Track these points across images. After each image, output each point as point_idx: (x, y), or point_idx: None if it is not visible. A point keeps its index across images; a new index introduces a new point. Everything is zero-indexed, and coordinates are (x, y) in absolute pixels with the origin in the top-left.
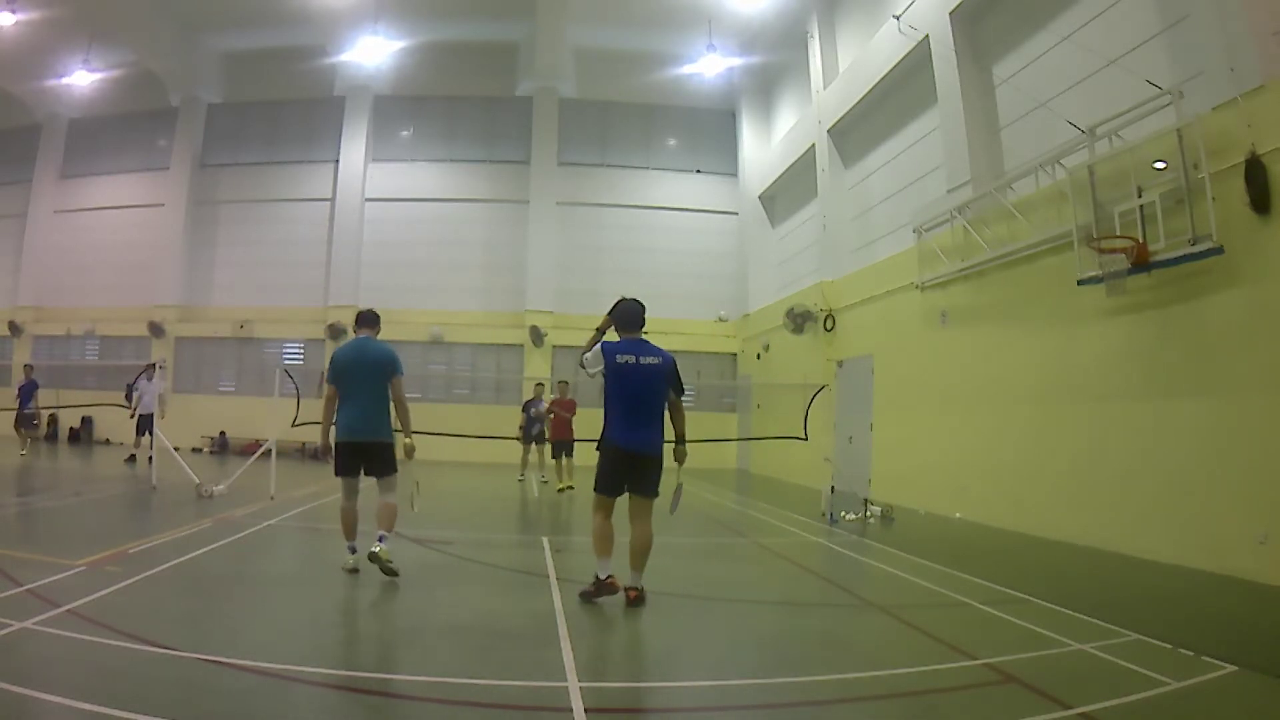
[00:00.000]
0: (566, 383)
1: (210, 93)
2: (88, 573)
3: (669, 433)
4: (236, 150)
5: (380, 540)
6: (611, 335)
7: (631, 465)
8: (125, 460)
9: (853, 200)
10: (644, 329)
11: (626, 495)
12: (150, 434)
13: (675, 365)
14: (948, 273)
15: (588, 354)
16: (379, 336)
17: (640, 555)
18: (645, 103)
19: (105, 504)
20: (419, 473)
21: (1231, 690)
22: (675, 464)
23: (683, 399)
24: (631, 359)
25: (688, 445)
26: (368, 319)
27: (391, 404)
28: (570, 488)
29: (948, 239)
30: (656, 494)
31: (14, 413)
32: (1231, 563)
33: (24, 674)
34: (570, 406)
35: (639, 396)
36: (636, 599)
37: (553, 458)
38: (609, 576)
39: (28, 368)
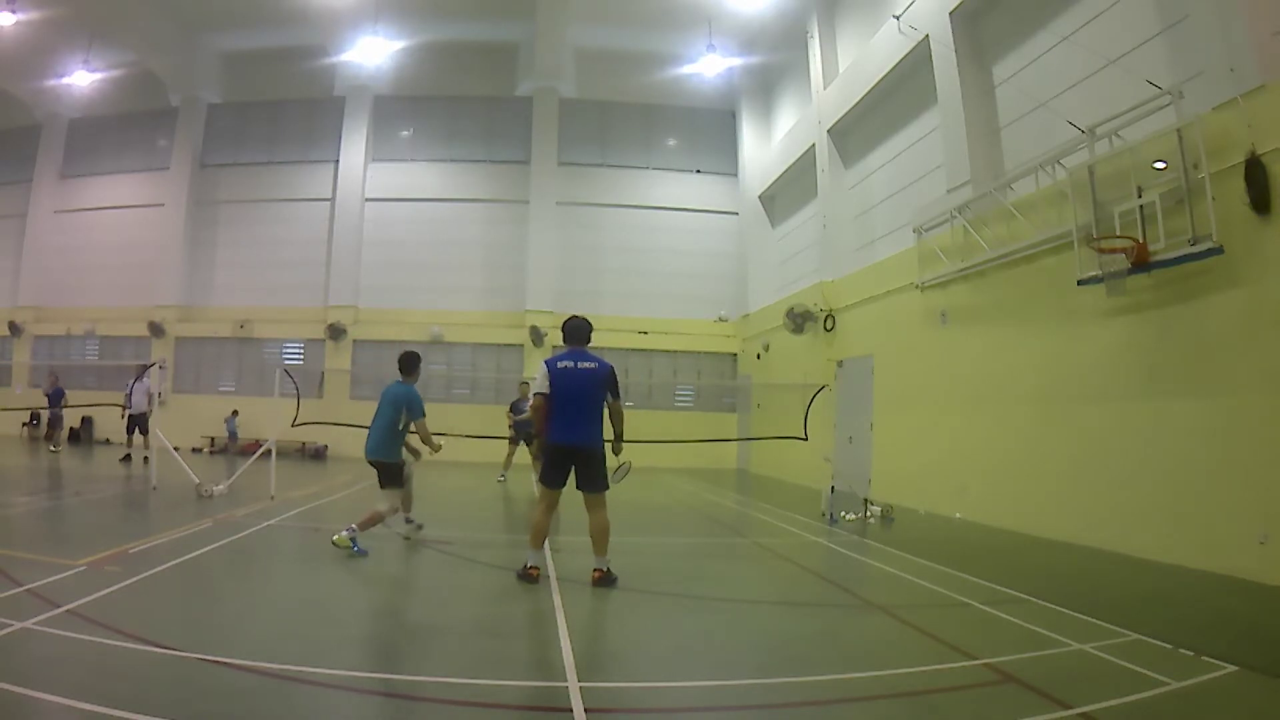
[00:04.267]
0: None
1: (210, 93)
2: (88, 573)
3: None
4: (236, 150)
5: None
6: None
7: (570, 459)
8: (120, 460)
9: (853, 200)
10: (589, 343)
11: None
12: (143, 433)
13: (613, 372)
14: (948, 273)
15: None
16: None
17: (599, 541)
18: (645, 103)
19: (105, 504)
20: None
21: (1231, 690)
22: (614, 458)
23: (620, 402)
24: (570, 364)
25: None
26: (400, 365)
27: (397, 430)
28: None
29: (948, 239)
30: (605, 487)
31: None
32: (1231, 563)
33: (24, 674)
34: None
35: (574, 397)
36: (601, 579)
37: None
38: (533, 566)
39: (53, 376)
